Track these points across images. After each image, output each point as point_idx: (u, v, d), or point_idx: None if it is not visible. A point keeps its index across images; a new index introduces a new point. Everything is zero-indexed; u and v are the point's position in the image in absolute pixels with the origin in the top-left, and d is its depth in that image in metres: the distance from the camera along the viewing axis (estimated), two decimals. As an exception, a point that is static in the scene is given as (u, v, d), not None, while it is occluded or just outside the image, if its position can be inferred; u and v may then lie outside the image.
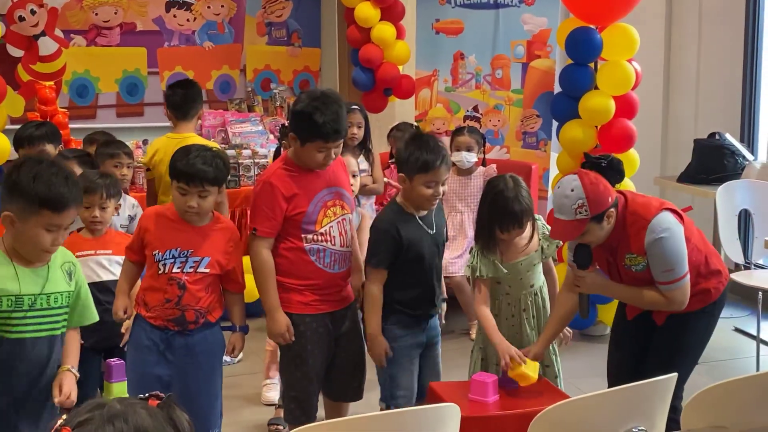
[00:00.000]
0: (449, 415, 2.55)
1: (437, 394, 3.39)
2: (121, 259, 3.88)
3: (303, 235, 3.64)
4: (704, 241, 3.71)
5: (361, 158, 5.35)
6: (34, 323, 2.98)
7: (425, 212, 3.72)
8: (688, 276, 3.48)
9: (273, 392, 4.87)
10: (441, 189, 3.64)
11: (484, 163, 5.88)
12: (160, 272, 3.57)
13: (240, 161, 6.41)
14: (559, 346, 3.93)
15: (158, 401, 1.46)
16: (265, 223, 3.61)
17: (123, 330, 3.85)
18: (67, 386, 3.01)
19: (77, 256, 3.85)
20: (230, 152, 6.38)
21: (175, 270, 3.55)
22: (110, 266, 4.03)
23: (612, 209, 3.42)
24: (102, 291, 3.88)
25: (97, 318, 3.25)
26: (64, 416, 1.42)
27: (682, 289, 3.47)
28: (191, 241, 3.57)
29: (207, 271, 3.58)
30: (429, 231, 3.73)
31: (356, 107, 5.67)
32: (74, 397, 3.00)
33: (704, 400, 2.68)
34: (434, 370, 3.89)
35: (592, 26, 5.60)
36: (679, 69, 7.12)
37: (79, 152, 4.83)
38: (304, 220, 3.62)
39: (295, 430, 2.27)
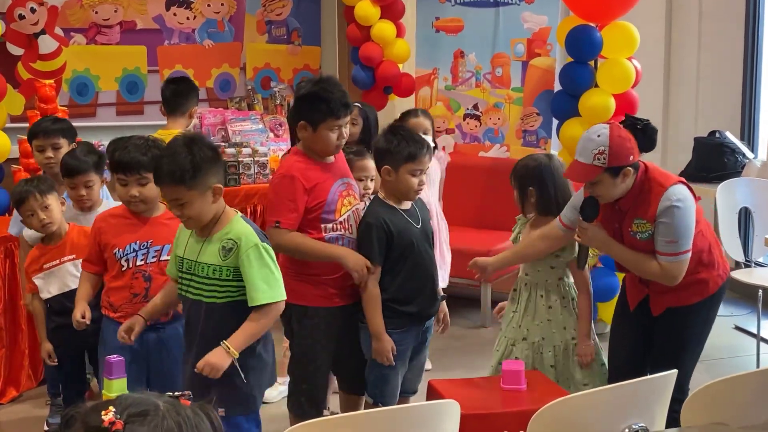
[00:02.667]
0: (449, 412, 2.55)
1: (437, 391, 3.38)
2: None
3: (323, 225, 3.67)
4: (711, 231, 3.72)
5: None
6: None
7: (408, 206, 3.74)
8: (690, 254, 3.49)
9: (275, 392, 4.86)
10: (424, 178, 3.69)
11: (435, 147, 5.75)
12: (123, 269, 3.64)
13: (240, 159, 6.40)
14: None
15: (189, 401, 1.48)
16: (289, 215, 3.61)
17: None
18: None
19: (45, 269, 3.91)
20: (230, 150, 6.38)
21: (138, 262, 3.62)
22: (77, 271, 4.01)
23: (630, 168, 3.45)
24: (72, 299, 3.83)
25: None
26: (112, 408, 1.42)
27: (679, 264, 3.49)
28: (148, 233, 3.66)
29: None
30: (415, 224, 3.73)
31: (357, 105, 5.66)
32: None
33: (704, 397, 2.68)
34: (419, 369, 3.93)
35: (592, 24, 5.61)
36: (679, 67, 7.12)
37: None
38: (325, 209, 3.66)
39: (296, 425, 2.27)
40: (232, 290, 3.22)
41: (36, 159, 4.76)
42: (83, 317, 3.64)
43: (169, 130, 5.12)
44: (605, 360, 4.00)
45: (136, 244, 3.62)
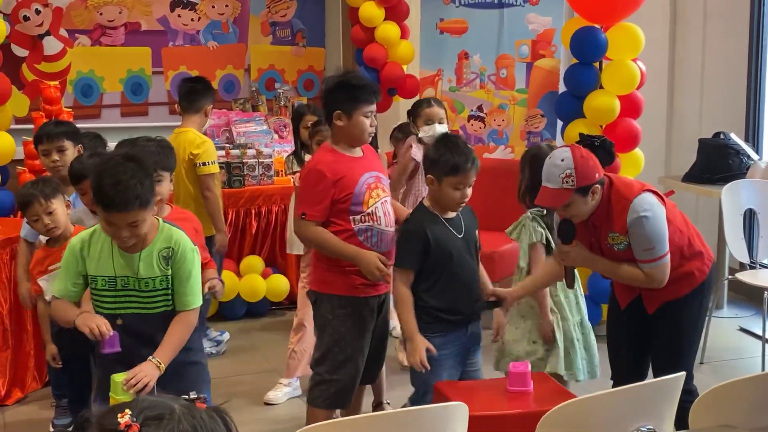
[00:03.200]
0: (458, 414, 2.55)
1: (443, 393, 3.38)
2: None
3: (351, 217, 3.75)
4: (687, 223, 3.79)
5: None
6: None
7: (452, 215, 3.71)
8: (669, 256, 3.58)
9: (279, 393, 4.87)
10: (468, 191, 3.66)
11: None
12: None
13: (244, 161, 6.41)
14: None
15: (205, 404, 1.49)
16: (314, 207, 3.73)
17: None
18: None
19: (49, 271, 3.91)
20: (234, 152, 6.39)
21: None
22: None
23: (597, 185, 3.54)
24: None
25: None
26: (128, 410, 1.42)
27: (661, 267, 3.57)
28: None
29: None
30: (457, 234, 3.69)
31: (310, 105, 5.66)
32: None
33: (711, 400, 2.68)
34: (474, 377, 3.86)
35: (596, 26, 5.61)
36: (684, 68, 7.12)
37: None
38: (353, 201, 3.74)
39: (307, 426, 2.27)
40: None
41: (43, 163, 4.76)
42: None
43: (181, 128, 5.29)
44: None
45: None
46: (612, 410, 2.66)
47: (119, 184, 3.02)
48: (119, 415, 1.41)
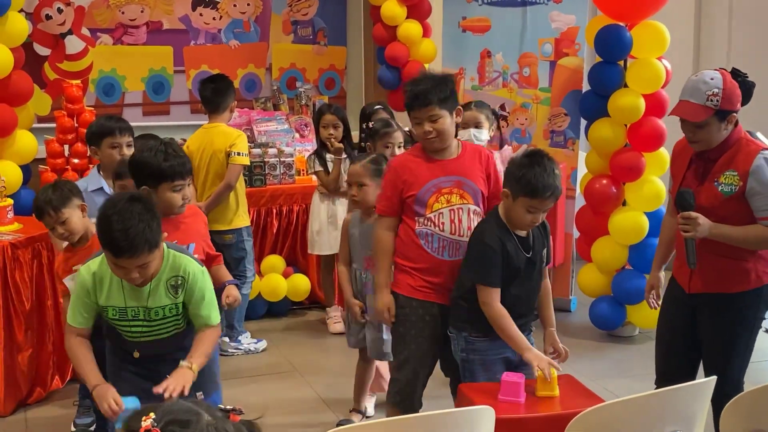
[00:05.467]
0: (484, 417, 2.53)
1: (467, 396, 3.35)
2: None
3: (416, 218, 3.73)
4: None
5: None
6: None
7: (524, 233, 3.56)
8: None
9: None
10: (540, 217, 3.51)
11: (501, 144, 5.55)
12: None
13: (266, 160, 6.40)
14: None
15: (239, 416, 1.47)
16: (383, 202, 3.82)
17: None
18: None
19: (73, 271, 3.91)
20: (256, 151, 6.37)
21: None
22: None
23: (734, 115, 3.50)
24: None
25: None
26: (152, 414, 1.41)
27: None
28: (174, 232, 3.65)
29: (195, 256, 3.62)
30: (525, 253, 3.55)
31: (380, 106, 5.63)
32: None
33: (743, 404, 2.64)
34: None
35: (621, 24, 5.57)
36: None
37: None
38: (416, 202, 3.71)
39: (334, 429, 2.25)
40: (186, 318, 3.32)
41: (108, 156, 4.62)
42: None
43: (211, 124, 5.45)
44: None
45: None
46: (642, 414, 2.62)
47: (128, 230, 2.99)
48: (143, 418, 1.40)
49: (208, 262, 3.80)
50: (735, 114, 3.51)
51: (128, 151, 4.51)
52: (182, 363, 3.14)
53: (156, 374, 3.21)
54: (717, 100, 3.44)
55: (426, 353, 3.81)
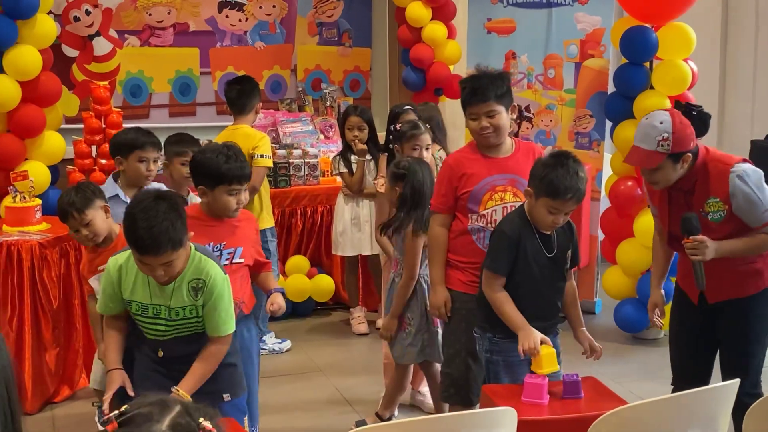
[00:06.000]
0: (506, 419, 2.53)
1: (489, 397, 3.35)
2: None
3: (469, 215, 3.77)
4: None
5: None
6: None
7: (548, 231, 3.54)
8: None
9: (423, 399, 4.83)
10: (563, 218, 3.48)
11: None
12: None
13: (291, 161, 6.43)
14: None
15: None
16: (437, 198, 3.88)
17: None
18: None
19: (98, 271, 3.94)
20: (281, 152, 6.40)
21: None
22: None
23: (689, 154, 3.48)
24: None
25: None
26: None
27: None
28: (221, 235, 3.69)
29: (242, 261, 3.70)
30: (547, 253, 3.53)
31: (410, 107, 5.64)
32: None
33: (764, 408, 2.63)
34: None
35: (647, 25, 5.55)
36: (735, 69, 7.02)
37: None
38: (469, 199, 3.75)
39: (359, 428, 2.26)
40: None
41: (135, 169, 4.65)
42: None
43: (236, 125, 5.47)
44: None
45: (209, 246, 3.62)
46: (664, 416, 2.62)
47: (152, 228, 3.02)
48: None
49: (256, 268, 3.82)
50: (689, 154, 3.48)
51: (155, 166, 4.54)
52: (173, 389, 3.15)
53: (182, 375, 3.24)
54: (667, 145, 3.42)
55: (477, 347, 3.79)
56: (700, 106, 3.73)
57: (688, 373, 3.80)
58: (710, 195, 3.53)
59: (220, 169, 3.64)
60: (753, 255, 3.61)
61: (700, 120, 3.62)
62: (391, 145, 5.16)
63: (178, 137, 4.95)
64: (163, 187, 4.32)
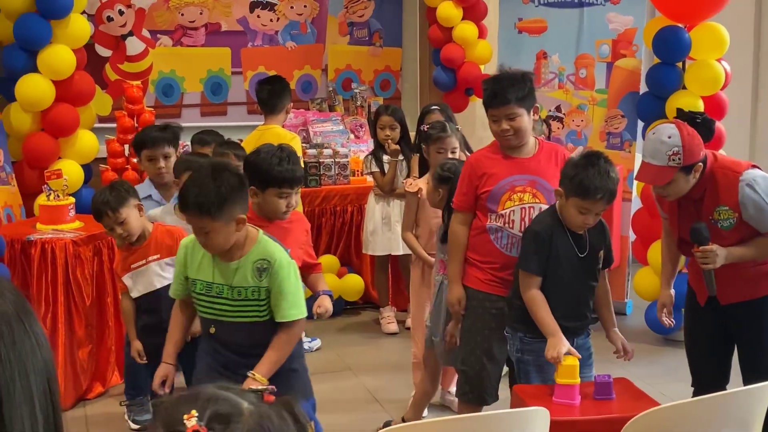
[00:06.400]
0: (538, 419, 2.53)
1: (520, 397, 3.34)
2: (170, 260, 3.99)
3: (488, 214, 3.78)
4: None
5: None
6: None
7: (580, 230, 3.54)
8: None
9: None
10: (593, 219, 3.48)
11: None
12: None
13: (321, 160, 6.45)
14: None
15: (273, 395, 1.44)
16: (459, 197, 3.88)
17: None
18: None
19: (132, 269, 3.96)
20: (311, 152, 6.43)
21: None
22: (163, 272, 4.08)
23: (700, 164, 3.46)
24: (159, 299, 3.99)
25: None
26: (195, 412, 1.37)
27: None
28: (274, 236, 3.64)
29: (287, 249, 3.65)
30: (579, 253, 3.54)
31: (437, 108, 5.64)
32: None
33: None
34: None
35: (680, 25, 5.51)
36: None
37: (235, 145, 5.00)
38: (489, 199, 3.76)
39: (389, 428, 2.27)
40: (268, 308, 3.30)
41: (146, 168, 4.76)
42: None
43: (266, 125, 5.49)
44: None
45: None
46: (697, 418, 2.60)
47: (187, 187, 3.13)
48: (185, 417, 1.35)
49: (305, 269, 3.82)
50: (700, 163, 3.46)
51: (165, 163, 4.57)
52: (248, 374, 3.18)
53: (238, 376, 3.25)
54: (678, 159, 3.39)
55: (492, 346, 3.83)
56: (703, 113, 3.74)
57: (707, 373, 3.81)
58: (719, 203, 3.51)
59: (271, 172, 3.64)
60: (764, 259, 3.60)
61: (705, 126, 3.61)
62: (418, 146, 5.16)
63: (224, 141, 5.02)
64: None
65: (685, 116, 3.66)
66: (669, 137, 3.41)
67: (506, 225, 3.75)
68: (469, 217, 3.86)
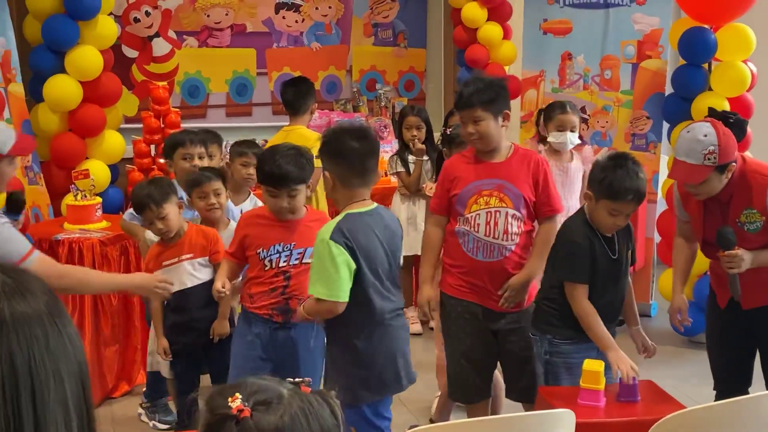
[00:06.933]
0: (565, 421, 2.53)
1: (546, 399, 3.34)
2: (203, 260, 4.06)
3: (457, 218, 3.79)
4: None
5: None
6: None
7: (609, 233, 3.56)
8: None
9: None
10: (624, 220, 3.50)
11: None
12: (266, 268, 3.69)
13: (346, 161, 6.45)
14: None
15: (309, 387, 1.47)
16: (433, 199, 3.93)
17: (212, 335, 4.08)
18: None
19: (164, 266, 4.00)
20: (336, 152, 6.43)
21: (281, 264, 3.68)
22: (195, 271, 4.11)
23: (733, 164, 3.44)
24: (189, 297, 4.03)
25: None
26: (239, 394, 1.41)
27: None
28: (291, 235, 3.70)
29: (311, 261, 3.64)
30: (611, 255, 3.55)
31: None
32: None
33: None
34: None
35: (706, 26, 5.49)
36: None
37: (253, 144, 5.07)
38: (457, 202, 3.77)
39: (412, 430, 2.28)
40: None
41: (181, 168, 4.75)
42: (223, 287, 3.77)
43: (291, 126, 5.54)
44: None
45: (279, 245, 3.67)
46: (724, 421, 2.60)
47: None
48: (230, 399, 1.39)
49: None
50: (733, 163, 3.45)
51: (200, 162, 4.60)
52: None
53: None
54: (714, 158, 3.37)
55: (471, 349, 3.85)
56: (735, 113, 3.71)
57: (729, 377, 3.81)
58: (748, 206, 3.50)
59: (261, 169, 3.69)
60: None
61: (738, 127, 3.58)
62: (441, 147, 5.17)
63: (242, 141, 5.06)
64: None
65: (717, 116, 3.64)
66: (705, 135, 3.40)
67: (472, 229, 3.74)
68: (443, 220, 3.86)
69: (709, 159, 3.38)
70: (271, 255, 3.68)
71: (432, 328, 5.47)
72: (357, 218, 3.28)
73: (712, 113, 3.76)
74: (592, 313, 3.46)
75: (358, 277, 3.22)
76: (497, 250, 3.73)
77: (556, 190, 3.84)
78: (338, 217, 3.27)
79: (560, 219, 3.80)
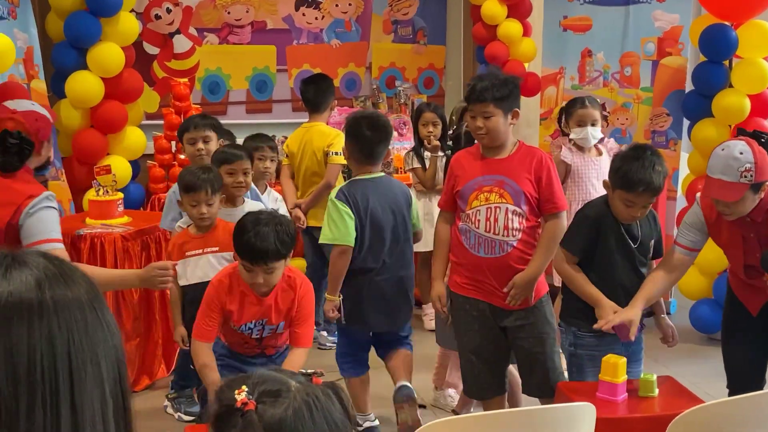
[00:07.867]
0: (585, 415, 2.54)
1: (565, 394, 3.35)
2: (228, 255, 4.07)
3: (460, 214, 3.81)
4: None
5: None
6: None
7: (627, 223, 3.58)
8: None
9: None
10: (641, 212, 3.52)
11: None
12: (239, 331, 3.74)
13: (365, 158, 6.47)
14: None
15: (321, 378, 1.49)
16: (442, 196, 3.97)
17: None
18: None
19: (186, 256, 4.04)
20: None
21: (254, 336, 3.74)
22: (218, 264, 4.14)
23: (767, 183, 3.42)
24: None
25: None
26: (245, 387, 1.44)
27: None
28: (265, 311, 3.67)
29: (284, 331, 3.77)
30: (632, 243, 3.58)
31: None
32: None
33: None
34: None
35: (727, 23, 5.48)
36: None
37: (267, 138, 5.17)
38: (459, 198, 3.79)
39: (432, 422, 2.29)
40: None
41: (186, 151, 4.90)
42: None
43: (311, 123, 5.61)
44: None
45: (252, 323, 3.69)
46: (743, 416, 2.60)
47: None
48: (236, 392, 1.42)
49: None
50: (767, 183, 3.42)
51: (204, 146, 4.68)
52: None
53: None
54: (750, 175, 3.35)
55: (480, 345, 3.86)
56: (767, 133, 3.67)
57: (744, 375, 3.81)
58: None
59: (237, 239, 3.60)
60: None
61: None
62: (452, 145, 5.21)
63: (255, 135, 5.11)
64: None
65: (749, 135, 3.61)
66: (741, 153, 3.37)
67: (472, 225, 3.73)
68: (451, 216, 3.89)
69: (745, 176, 3.36)
70: (242, 330, 3.72)
71: (431, 329, 5.53)
72: (359, 182, 4.10)
73: (743, 133, 3.74)
74: (574, 274, 3.57)
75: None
76: (498, 246, 3.71)
77: (560, 187, 3.80)
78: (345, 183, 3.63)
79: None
